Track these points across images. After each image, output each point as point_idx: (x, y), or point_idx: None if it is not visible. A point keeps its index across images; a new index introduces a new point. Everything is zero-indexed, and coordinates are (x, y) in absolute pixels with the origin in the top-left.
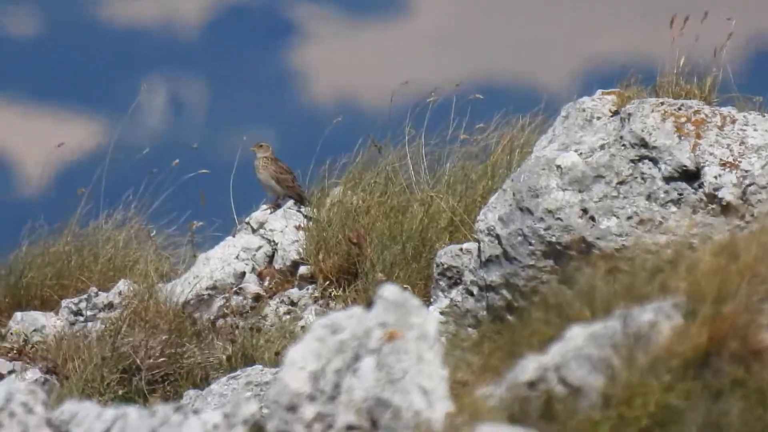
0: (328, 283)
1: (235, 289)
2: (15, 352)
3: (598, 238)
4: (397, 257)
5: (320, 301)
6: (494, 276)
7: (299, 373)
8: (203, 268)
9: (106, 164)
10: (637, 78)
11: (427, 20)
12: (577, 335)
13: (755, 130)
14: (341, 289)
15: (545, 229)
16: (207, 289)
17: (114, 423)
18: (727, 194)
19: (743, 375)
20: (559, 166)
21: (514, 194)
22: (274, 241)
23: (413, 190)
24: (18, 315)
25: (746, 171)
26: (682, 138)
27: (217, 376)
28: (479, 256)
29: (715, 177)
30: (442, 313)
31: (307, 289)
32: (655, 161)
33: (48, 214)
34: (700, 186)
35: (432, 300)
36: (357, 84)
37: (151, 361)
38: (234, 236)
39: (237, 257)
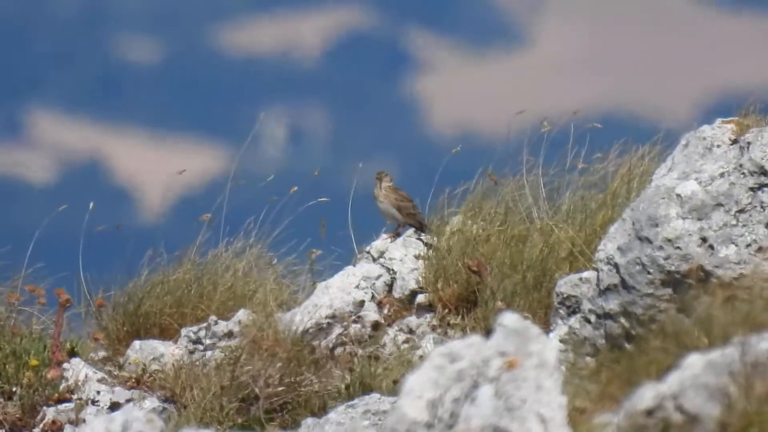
0: (446, 311)
1: (353, 317)
2: (133, 380)
3: (716, 267)
4: (518, 286)
5: (438, 330)
6: (612, 304)
7: (417, 402)
8: (322, 296)
9: (227, 192)
10: (756, 106)
11: (546, 49)
12: (694, 363)
13: None
14: (460, 317)
15: (664, 258)
16: (326, 317)
17: None
18: None
19: None
20: (678, 195)
21: (633, 223)
22: (393, 270)
23: (533, 219)
24: (136, 344)
25: None
26: None
27: (335, 404)
28: (598, 284)
29: None
30: (561, 341)
31: (426, 318)
32: None
33: (168, 242)
34: None
35: (551, 328)
36: (476, 113)
37: (270, 389)
38: (354, 265)
39: (357, 286)
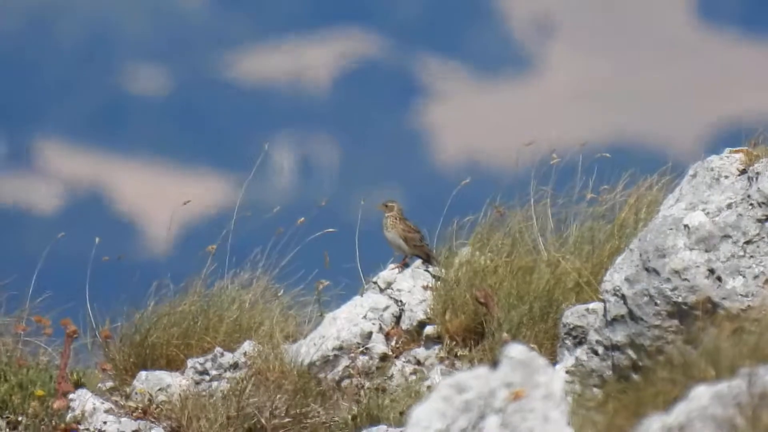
0: (454, 343)
1: (361, 349)
2: (140, 411)
3: (723, 298)
4: (524, 317)
5: (446, 361)
6: (620, 336)
7: None
8: (330, 328)
9: (233, 223)
10: (765, 136)
11: (555, 79)
12: (701, 395)
13: None
14: (467, 348)
15: (671, 290)
16: (333, 349)
17: None
18: None
19: None
20: (686, 226)
21: (640, 254)
22: (401, 301)
23: (540, 250)
24: (143, 374)
25: None
26: None
27: None
28: (605, 315)
29: None
30: (567, 372)
31: (434, 349)
32: None
33: (174, 273)
34: None
35: (558, 359)
36: (485, 143)
37: (276, 421)
38: (362, 296)
39: (364, 317)
